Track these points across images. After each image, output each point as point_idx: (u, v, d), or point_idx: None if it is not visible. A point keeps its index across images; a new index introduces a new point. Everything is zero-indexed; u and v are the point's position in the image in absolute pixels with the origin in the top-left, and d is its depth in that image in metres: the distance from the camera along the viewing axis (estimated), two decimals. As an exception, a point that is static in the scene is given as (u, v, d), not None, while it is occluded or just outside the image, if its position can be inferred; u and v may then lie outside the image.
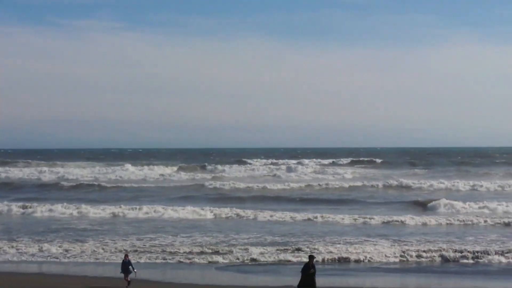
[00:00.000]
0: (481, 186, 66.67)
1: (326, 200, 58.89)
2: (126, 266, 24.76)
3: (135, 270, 24.82)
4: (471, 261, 30.60)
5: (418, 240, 35.63)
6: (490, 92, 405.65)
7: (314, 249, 32.53)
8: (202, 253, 32.44)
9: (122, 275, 24.74)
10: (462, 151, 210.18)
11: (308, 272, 21.31)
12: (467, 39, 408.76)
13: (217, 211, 48.41)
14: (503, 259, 30.63)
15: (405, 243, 34.62)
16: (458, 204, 50.47)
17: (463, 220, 43.17)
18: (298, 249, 32.56)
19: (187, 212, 48.62)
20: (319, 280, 22.27)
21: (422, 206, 51.59)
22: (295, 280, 25.69)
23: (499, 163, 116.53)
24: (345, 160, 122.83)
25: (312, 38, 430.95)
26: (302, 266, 22.36)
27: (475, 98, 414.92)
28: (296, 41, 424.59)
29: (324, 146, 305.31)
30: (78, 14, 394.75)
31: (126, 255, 25.56)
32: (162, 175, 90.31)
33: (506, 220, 42.77)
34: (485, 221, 42.59)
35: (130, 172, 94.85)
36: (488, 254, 31.19)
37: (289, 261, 30.66)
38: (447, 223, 42.45)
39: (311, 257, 21.92)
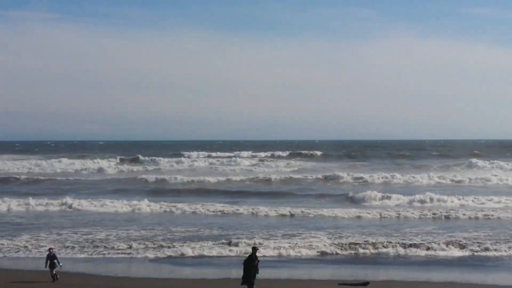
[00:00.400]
0: (415, 178, 67.92)
1: (263, 192, 59.32)
2: (51, 260, 24.66)
3: (60, 264, 24.74)
4: (405, 252, 31.24)
5: (353, 232, 36.30)
6: (427, 86, 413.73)
7: (253, 242, 32.81)
8: (139, 246, 32.39)
9: (49, 269, 24.64)
10: (399, 144, 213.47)
11: (253, 264, 21.40)
12: (403, 33, 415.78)
13: (153, 205, 48.29)
14: (432, 252, 31.38)
15: (340, 235, 35.25)
16: (394, 197, 51.48)
17: (398, 212, 44.06)
18: (231, 243, 32.62)
19: (124, 205, 48.39)
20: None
21: (358, 198, 52.35)
22: (233, 272, 26.03)
23: (435, 156, 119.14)
24: (283, 153, 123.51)
25: (250, 31, 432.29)
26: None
27: (412, 92, 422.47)
28: (235, 34, 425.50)
29: (262, 139, 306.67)
30: (14, 4, 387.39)
31: (51, 249, 25.51)
32: (100, 168, 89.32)
33: (440, 213, 43.75)
34: (423, 214, 43.47)
35: (65, 164, 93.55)
36: (418, 247, 31.94)
37: (227, 254, 30.88)
38: (382, 216, 43.23)
39: (254, 249, 22.04)
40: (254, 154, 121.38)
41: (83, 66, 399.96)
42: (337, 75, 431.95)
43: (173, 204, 48.76)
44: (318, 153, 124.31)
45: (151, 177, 72.14)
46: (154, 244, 32.78)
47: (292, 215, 43.97)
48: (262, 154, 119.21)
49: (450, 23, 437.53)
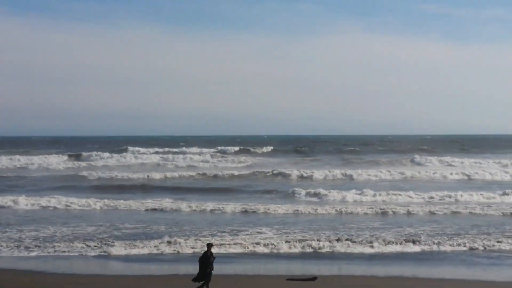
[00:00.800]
0: (361, 173, 68.75)
1: (211, 188, 59.38)
2: None
3: None
4: (353, 247, 31.68)
5: (301, 228, 36.67)
6: (372, 81, 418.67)
7: (201, 238, 32.92)
8: (84, 243, 32.19)
9: None
10: (347, 139, 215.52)
11: (209, 260, 21.46)
12: (349, 28, 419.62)
13: (99, 201, 47.95)
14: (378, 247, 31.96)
15: (288, 231, 35.58)
16: (342, 193, 52.06)
17: (346, 208, 44.58)
18: (170, 242, 32.50)
19: (69, 202, 47.96)
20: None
21: (305, 194, 52.71)
22: (181, 268, 26.12)
23: (382, 151, 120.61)
24: (232, 148, 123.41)
25: (198, 25, 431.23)
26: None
27: (358, 88, 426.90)
28: (183, 28, 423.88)
29: (210, 134, 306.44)
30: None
31: None
32: (45, 164, 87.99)
33: (386, 208, 44.36)
34: (370, 209, 44.05)
35: (5, 160, 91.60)
36: (365, 242, 32.45)
37: (174, 251, 30.91)
38: (329, 212, 43.62)
39: (209, 245, 22.10)
40: (202, 149, 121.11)
41: (30, 60, 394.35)
42: (285, 70, 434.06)
43: (118, 200, 48.48)
44: (267, 148, 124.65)
45: (95, 173, 71.54)
46: (100, 242, 32.59)
47: (240, 211, 44.13)
48: (211, 150, 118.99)
49: (395, 19, 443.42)
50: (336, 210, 44.08)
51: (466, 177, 67.39)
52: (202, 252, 23.21)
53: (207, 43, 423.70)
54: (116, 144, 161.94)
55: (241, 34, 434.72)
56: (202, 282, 21.73)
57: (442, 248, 31.49)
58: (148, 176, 69.36)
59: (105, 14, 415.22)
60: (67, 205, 47.17)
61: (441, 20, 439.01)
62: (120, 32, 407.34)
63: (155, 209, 45.45)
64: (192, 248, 31.04)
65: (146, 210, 45.37)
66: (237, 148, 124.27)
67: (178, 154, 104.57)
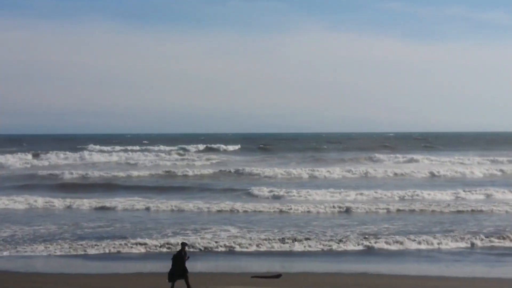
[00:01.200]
0: (321, 171, 68.71)
1: (175, 187, 59.17)
2: None
3: None
4: (316, 245, 31.92)
5: (264, 226, 36.88)
6: (339, 79, 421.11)
7: (165, 237, 32.95)
8: (48, 242, 32.04)
9: None
10: (314, 137, 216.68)
11: (185, 259, 21.41)
12: (314, 26, 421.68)
13: (61, 200, 47.68)
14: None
15: (251, 229, 35.75)
16: (303, 191, 52.30)
17: (308, 207, 44.74)
18: (132, 241, 32.52)
19: (31, 201, 47.65)
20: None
21: (270, 193, 52.85)
22: (147, 266, 26.15)
23: (348, 148, 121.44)
24: (195, 147, 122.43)
25: (165, 23, 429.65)
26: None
27: (325, 86, 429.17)
28: (148, 26, 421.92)
29: (173, 132, 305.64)
30: None
31: None
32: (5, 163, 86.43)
33: (345, 207, 44.60)
34: (332, 208, 44.33)
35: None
36: (329, 240, 32.75)
37: (139, 250, 30.89)
38: (291, 211, 43.69)
39: (183, 244, 22.02)
40: (165, 148, 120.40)
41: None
42: (250, 68, 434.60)
43: (81, 199, 48.19)
44: (234, 146, 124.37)
45: (52, 171, 70.97)
46: (63, 241, 32.45)
47: (203, 210, 44.16)
48: (174, 148, 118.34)
49: (359, 17, 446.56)
50: (297, 209, 44.16)
51: (429, 175, 67.99)
52: (174, 251, 23.10)
53: (172, 41, 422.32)
54: (77, 142, 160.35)
55: (209, 31, 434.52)
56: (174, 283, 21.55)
57: (405, 245, 31.86)
58: (109, 174, 68.85)
59: (66, 10, 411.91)
60: (28, 204, 46.81)
61: (404, 18, 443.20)
62: (80, 28, 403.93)
63: (116, 208, 45.23)
64: (156, 246, 31.04)
65: (109, 209, 45.17)
66: (202, 146, 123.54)
67: (142, 152, 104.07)
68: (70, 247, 30.97)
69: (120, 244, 31.42)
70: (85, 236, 33.91)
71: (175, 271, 21.50)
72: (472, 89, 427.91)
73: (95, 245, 31.30)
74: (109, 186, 59.98)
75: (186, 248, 22.29)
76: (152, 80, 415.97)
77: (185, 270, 21.56)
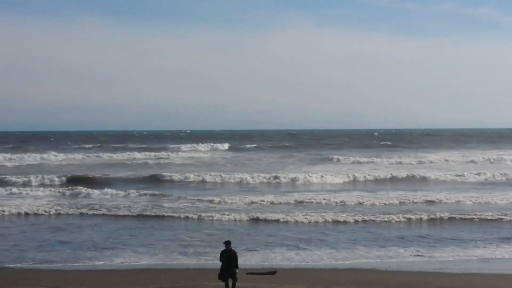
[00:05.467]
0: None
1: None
2: None
3: None
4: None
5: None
6: (330, 75, 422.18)
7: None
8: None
9: None
10: (298, 133, 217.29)
11: (231, 257, 20.61)
12: (301, 22, 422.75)
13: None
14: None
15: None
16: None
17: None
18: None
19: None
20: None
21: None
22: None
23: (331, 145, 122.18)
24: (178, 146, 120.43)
25: (156, 19, 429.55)
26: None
27: (315, 81, 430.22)
28: (136, 21, 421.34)
29: (157, 129, 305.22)
30: None
31: None
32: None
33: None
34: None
35: None
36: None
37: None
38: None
39: (227, 243, 21.04)
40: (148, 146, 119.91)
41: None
42: (238, 64, 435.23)
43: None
44: (249, 145, 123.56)
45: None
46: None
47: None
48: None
49: (348, 13, 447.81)
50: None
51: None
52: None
53: (161, 37, 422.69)
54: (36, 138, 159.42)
55: (194, 27, 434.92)
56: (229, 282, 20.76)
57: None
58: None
59: (56, 6, 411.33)
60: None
61: (392, 14, 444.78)
62: (74, 25, 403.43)
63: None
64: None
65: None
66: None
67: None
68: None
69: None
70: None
71: (226, 269, 20.70)
72: (462, 84, 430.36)
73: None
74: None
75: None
76: (137, 76, 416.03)
77: (234, 269, 20.66)
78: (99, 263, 27.66)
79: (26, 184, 57.54)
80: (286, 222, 38.05)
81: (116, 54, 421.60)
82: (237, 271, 20.70)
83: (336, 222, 37.92)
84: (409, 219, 38.75)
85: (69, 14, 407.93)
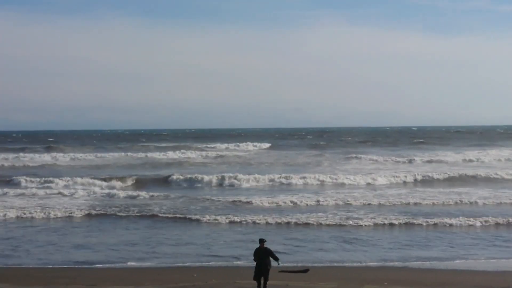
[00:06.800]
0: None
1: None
2: None
3: None
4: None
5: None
6: (357, 73, 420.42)
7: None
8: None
9: None
10: (322, 131, 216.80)
11: (265, 255, 20.71)
12: (334, 20, 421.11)
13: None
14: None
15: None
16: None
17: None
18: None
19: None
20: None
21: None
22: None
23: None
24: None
25: (185, 18, 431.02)
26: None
27: (343, 79, 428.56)
28: (168, 21, 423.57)
29: (188, 128, 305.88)
30: None
31: None
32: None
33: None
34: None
35: None
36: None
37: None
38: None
39: (261, 241, 21.15)
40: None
41: (11, 53, 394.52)
42: (268, 63, 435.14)
43: None
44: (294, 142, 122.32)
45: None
46: None
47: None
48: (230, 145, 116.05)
49: (378, 11, 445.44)
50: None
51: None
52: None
53: (192, 36, 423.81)
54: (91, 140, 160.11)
55: (226, 26, 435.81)
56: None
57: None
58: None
59: (88, 7, 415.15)
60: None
61: (424, 11, 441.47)
62: (102, 25, 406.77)
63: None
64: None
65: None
66: (267, 145, 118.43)
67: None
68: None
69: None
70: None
71: (262, 268, 20.77)
72: (495, 82, 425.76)
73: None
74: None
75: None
76: (166, 75, 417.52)
77: (267, 267, 20.75)
78: (132, 262, 28.14)
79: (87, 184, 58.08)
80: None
81: (144, 53, 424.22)
82: (279, 263, 20.91)
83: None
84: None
85: (96, 14, 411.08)
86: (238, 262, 27.63)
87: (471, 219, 37.13)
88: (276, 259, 20.88)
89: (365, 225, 36.16)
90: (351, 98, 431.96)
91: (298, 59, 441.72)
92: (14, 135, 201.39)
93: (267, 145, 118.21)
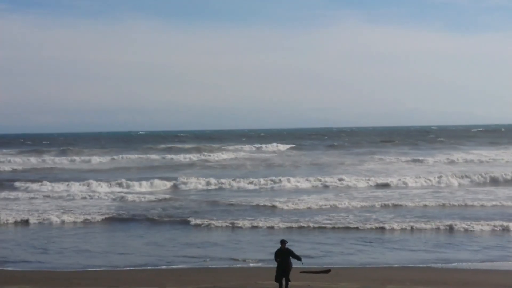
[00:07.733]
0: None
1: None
2: None
3: None
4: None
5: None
6: (383, 71, 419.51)
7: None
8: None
9: None
10: (339, 131, 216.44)
11: (294, 255, 20.69)
12: (352, 19, 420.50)
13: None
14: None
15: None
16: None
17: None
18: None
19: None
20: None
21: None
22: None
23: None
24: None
25: (204, 19, 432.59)
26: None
27: (362, 79, 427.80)
28: (190, 22, 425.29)
29: (222, 129, 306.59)
30: None
31: None
32: None
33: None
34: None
35: None
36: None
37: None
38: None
39: (283, 242, 21.00)
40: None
41: (26, 56, 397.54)
42: (285, 62, 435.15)
43: None
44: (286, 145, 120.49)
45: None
46: None
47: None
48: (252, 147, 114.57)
49: (397, 9, 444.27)
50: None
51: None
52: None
53: (208, 36, 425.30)
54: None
55: (244, 26, 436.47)
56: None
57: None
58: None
59: (108, 9, 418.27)
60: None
61: (443, 9, 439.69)
62: (120, 27, 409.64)
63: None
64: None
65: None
66: (287, 146, 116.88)
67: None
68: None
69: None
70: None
71: (283, 269, 20.73)
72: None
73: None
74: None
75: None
76: (189, 75, 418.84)
77: (289, 268, 20.70)
78: (152, 265, 28.23)
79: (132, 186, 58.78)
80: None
81: (167, 54, 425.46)
82: (302, 262, 20.96)
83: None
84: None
85: (120, 16, 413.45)
86: (259, 264, 27.67)
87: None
88: (299, 258, 20.87)
89: (393, 228, 35.85)
90: (369, 98, 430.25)
91: (317, 59, 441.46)
92: (33, 137, 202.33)
93: (289, 146, 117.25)
